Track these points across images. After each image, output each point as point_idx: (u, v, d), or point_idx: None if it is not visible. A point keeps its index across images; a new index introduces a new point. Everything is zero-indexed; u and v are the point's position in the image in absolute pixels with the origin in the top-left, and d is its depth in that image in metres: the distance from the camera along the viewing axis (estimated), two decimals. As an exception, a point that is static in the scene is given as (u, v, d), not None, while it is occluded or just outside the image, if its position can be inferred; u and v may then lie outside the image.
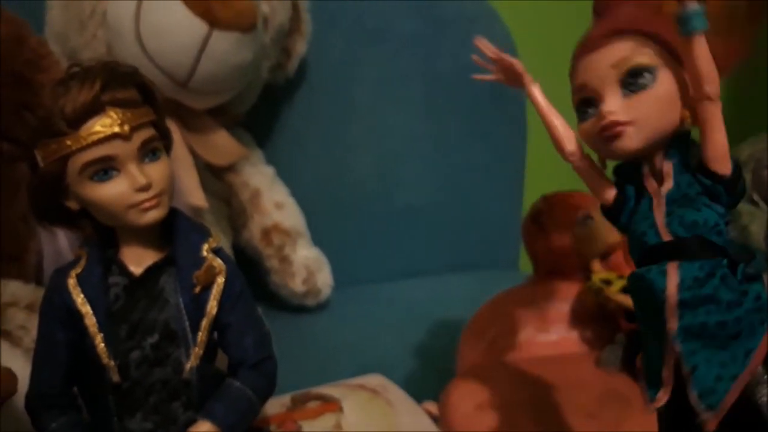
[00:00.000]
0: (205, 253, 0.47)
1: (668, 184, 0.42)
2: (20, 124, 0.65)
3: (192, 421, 0.46)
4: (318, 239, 0.94)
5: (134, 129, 0.45)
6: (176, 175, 0.49)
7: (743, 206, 0.72)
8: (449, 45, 1.05)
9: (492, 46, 0.47)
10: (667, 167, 0.42)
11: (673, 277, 0.40)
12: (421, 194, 1.05)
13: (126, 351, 0.46)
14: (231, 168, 0.86)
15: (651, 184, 0.43)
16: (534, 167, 1.13)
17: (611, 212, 0.45)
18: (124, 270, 0.47)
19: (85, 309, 0.45)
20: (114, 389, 0.46)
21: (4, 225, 0.66)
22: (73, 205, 0.46)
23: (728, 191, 0.41)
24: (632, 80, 0.41)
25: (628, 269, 0.70)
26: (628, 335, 0.62)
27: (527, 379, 0.61)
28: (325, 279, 0.91)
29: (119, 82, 0.45)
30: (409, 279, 1.00)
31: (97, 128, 0.44)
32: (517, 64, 0.47)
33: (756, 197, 0.72)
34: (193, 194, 0.74)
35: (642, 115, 0.41)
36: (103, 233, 0.48)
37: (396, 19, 1.03)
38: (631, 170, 0.44)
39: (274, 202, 0.89)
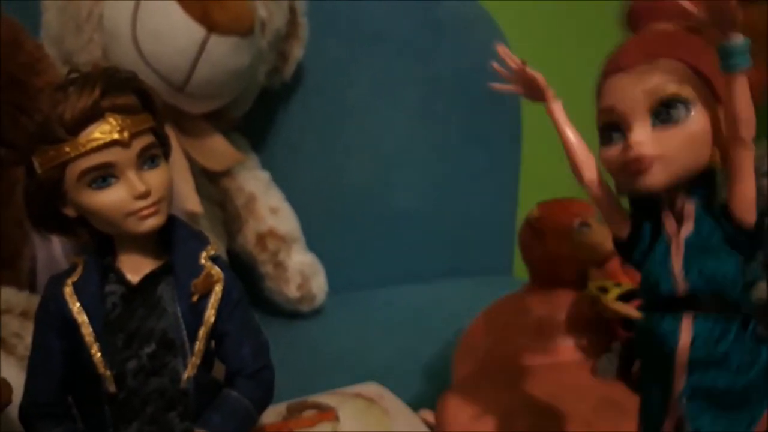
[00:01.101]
0: (203, 261, 0.47)
1: (688, 227, 0.40)
2: (16, 128, 0.65)
3: (189, 432, 0.46)
4: (313, 244, 0.94)
5: (134, 136, 0.44)
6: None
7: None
8: (446, 49, 1.05)
9: (514, 56, 0.45)
10: (689, 208, 0.40)
11: (686, 333, 0.39)
12: (417, 199, 1.05)
13: (122, 360, 0.45)
14: (226, 173, 0.86)
15: (670, 224, 0.40)
16: (529, 172, 1.13)
17: (624, 248, 0.43)
18: (121, 278, 0.46)
19: (82, 318, 0.45)
20: (110, 399, 0.45)
21: (-1, 230, 0.66)
22: (70, 212, 0.46)
23: (752, 242, 0.39)
24: (665, 111, 0.39)
25: (624, 277, 0.70)
26: (624, 343, 0.62)
27: (524, 387, 0.61)
28: (319, 285, 0.91)
29: (119, 88, 0.45)
30: (403, 284, 1.00)
31: (96, 135, 0.43)
32: (540, 77, 0.44)
33: None
34: (189, 199, 0.74)
35: (671, 151, 0.39)
36: (101, 241, 0.47)
37: (392, 22, 1.03)
38: (650, 205, 0.41)
39: (269, 207, 0.89)
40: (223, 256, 0.73)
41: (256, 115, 0.91)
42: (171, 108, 0.73)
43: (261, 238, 0.88)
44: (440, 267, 1.05)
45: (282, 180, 0.93)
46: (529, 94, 0.45)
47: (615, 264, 0.69)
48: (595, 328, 0.64)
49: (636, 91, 0.39)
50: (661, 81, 0.39)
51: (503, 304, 0.66)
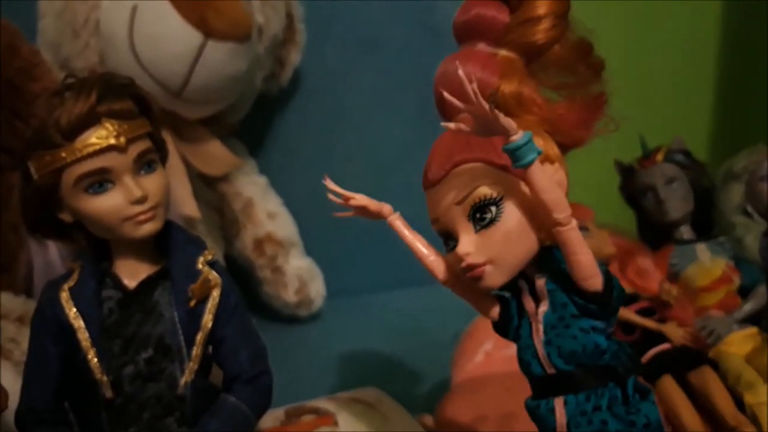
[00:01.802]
0: (200, 266, 0.47)
1: (544, 306, 0.41)
2: (11, 134, 0.65)
3: (186, 437, 0.46)
4: (310, 249, 0.93)
5: (130, 141, 0.44)
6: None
7: (738, 218, 0.72)
8: (443, 54, 1.03)
9: (338, 189, 0.47)
10: (541, 284, 0.41)
11: (560, 414, 0.40)
12: (414, 204, 1.04)
13: (119, 366, 0.45)
14: (224, 178, 0.86)
15: (528, 303, 0.42)
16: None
17: (499, 328, 0.44)
18: (118, 283, 0.46)
19: (78, 323, 0.45)
20: (107, 405, 0.45)
21: (-6, 235, 0.66)
22: (66, 217, 0.46)
23: (601, 308, 0.39)
24: (479, 215, 0.39)
25: (623, 281, 0.70)
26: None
27: (523, 391, 0.61)
28: (317, 289, 0.91)
29: (115, 93, 0.45)
30: (401, 289, 1.00)
31: (93, 140, 0.43)
32: (370, 204, 0.47)
33: (750, 209, 0.72)
34: (186, 204, 0.74)
35: (497, 252, 0.39)
36: (97, 246, 0.47)
37: (390, 28, 1.03)
38: (512, 283, 0.42)
39: (266, 212, 0.89)
40: (221, 261, 0.73)
41: (253, 121, 0.91)
42: (168, 113, 0.73)
43: (259, 243, 0.87)
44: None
45: (279, 185, 0.93)
46: (368, 215, 0.47)
47: (614, 269, 0.69)
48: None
49: (448, 203, 0.40)
50: (466, 190, 0.40)
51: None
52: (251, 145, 0.94)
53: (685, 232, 0.72)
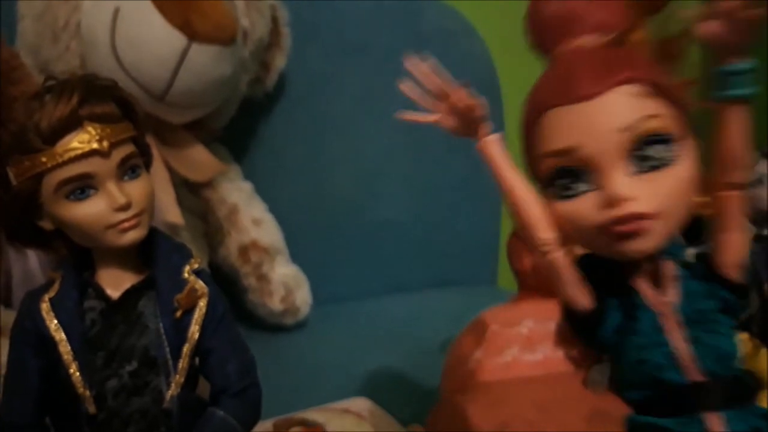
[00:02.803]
0: (186, 275, 0.45)
1: (672, 295, 0.33)
2: (-11, 139, 0.63)
3: (172, 453, 0.44)
4: (296, 256, 0.92)
5: (113, 145, 0.43)
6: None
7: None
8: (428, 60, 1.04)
9: (435, 77, 0.35)
10: (669, 268, 0.33)
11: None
12: (400, 209, 1.04)
13: (102, 380, 0.43)
14: (208, 184, 0.84)
15: (650, 293, 0.33)
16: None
17: (581, 324, 0.35)
18: (100, 293, 0.45)
19: (59, 335, 0.43)
20: (89, 420, 0.43)
21: (-29, 244, 0.64)
22: (47, 225, 0.44)
23: (743, 304, 0.33)
24: (647, 153, 0.31)
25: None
26: (616, 355, 0.61)
27: (514, 400, 0.60)
28: (303, 297, 0.90)
29: (98, 96, 0.43)
30: (388, 295, 0.99)
31: (74, 144, 0.42)
32: (478, 106, 0.35)
33: None
34: (170, 211, 0.72)
35: (669, 204, 0.31)
36: (79, 255, 0.45)
37: (375, 33, 1.03)
38: (605, 267, 0.33)
39: (251, 218, 0.88)
40: (206, 269, 0.72)
41: (238, 126, 0.89)
42: (151, 118, 0.72)
43: (244, 250, 0.86)
44: (424, 278, 1.05)
45: (264, 191, 0.91)
46: (461, 128, 0.37)
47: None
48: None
49: (606, 128, 0.31)
50: (639, 114, 0.31)
51: (492, 315, 0.65)
52: (236, 150, 0.92)
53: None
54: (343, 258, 1.01)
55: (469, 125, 0.36)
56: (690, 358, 0.32)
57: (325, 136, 1.00)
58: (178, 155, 0.76)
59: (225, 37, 0.70)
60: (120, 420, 0.44)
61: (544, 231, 0.34)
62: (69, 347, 0.43)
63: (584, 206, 0.32)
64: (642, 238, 0.31)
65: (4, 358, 0.46)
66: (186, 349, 0.44)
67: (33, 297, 0.45)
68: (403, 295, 1.00)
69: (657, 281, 0.33)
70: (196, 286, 0.45)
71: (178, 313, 0.44)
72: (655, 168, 0.31)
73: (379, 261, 1.03)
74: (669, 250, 0.33)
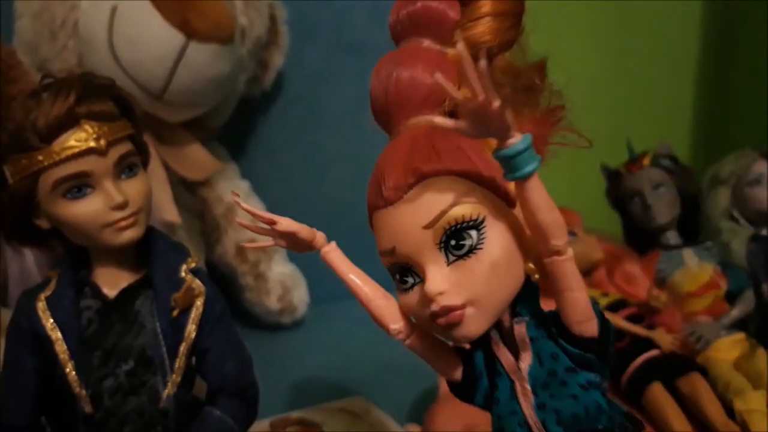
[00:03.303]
0: (183, 274, 0.45)
1: (527, 358, 0.33)
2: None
3: (169, 453, 0.44)
4: (293, 255, 0.92)
5: (111, 144, 0.43)
6: (150, 191, 0.46)
7: (724, 223, 0.72)
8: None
9: (260, 213, 0.37)
10: (520, 331, 0.33)
11: None
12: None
13: (99, 379, 0.43)
14: (205, 182, 0.84)
15: (505, 355, 0.33)
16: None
17: (461, 390, 0.36)
18: (97, 293, 0.45)
19: (56, 335, 0.43)
20: (86, 420, 0.43)
21: (-33, 242, 0.63)
22: (43, 223, 0.44)
23: (600, 357, 0.32)
24: (454, 243, 0.31)
25: (611, 287, 0.70)
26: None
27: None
28: (301, 296, 0.89)
29: (95, 94, 0.43)
30: (386, 295, 0.99)
31: (72, 143, 0.42)
32: (299, 230, 0.37)
33: (736, 214, 0.72)
34: (167, 210, 0.72)
35: (480, 290, 0.31)
36: (75, 253, 0.45)
37: (374, 31, 1.02)
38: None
39: (249, 217, 0.87)
40: (202, 267, 0.72)
41: (235, 124, 0.89)
42: (149, 116, 0.71)
43: (241, 249, 0.86)
44: (422, 277, 1.04)
45: (262, 190, 0.91)
46: (295, 246, 0.38)
47: (601, 274, 0.69)
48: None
49: (413, 228, 0.32)
50: (439, 208, 0.31)
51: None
52: (233, 148, 0.92)
53: (672, 237, 0.72)
54: (341, 257, 1.01)
55: (300, 245, 0.38)
56: (537, 424, 0.33)
57: (323, 134, 1.00)
58: (176, 154, 0.76)
59: (223, 35, 0.70)
60: (116, 419, 0.44)
61: (393, 322, 0.36)
62: (65, 346, 0.43)
63: (413, 300, 0.33)
64: (463, 325, 0.32)
65: (1, 357, 0.46)
66: (183, 348, 0.44)
67: (29, 296, 0.45)
68: (401, 294, 0.99)
69: (512, 343, 0.34)
70: (193, 285, 0.45)
71: (175, 312, 0.44)
72: (466, 254, 0.31)
73: (376, 260, 1.03)
74: (520, 313, 0.33)
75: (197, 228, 0.85)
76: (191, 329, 0.45)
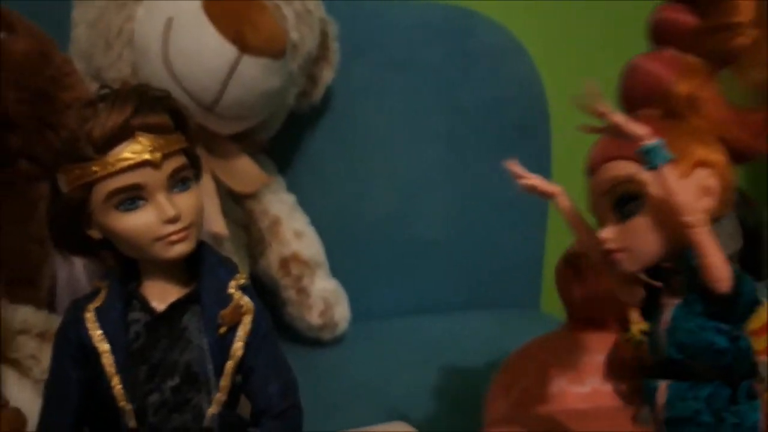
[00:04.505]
0: (232, 291, 0.45)
1: (678, 299, 0.43)
2: (41, 143, 0.64)
3: (211, 473, 0.43)
4: (334, 270, 0.91)
5: (165, 156, 0.42)
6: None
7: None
8: (475, 78, 1.03)
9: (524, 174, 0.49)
10: (678, 280, 0.43)
11: (661, 396, 0.43)
12: (441, 228, 1.02)
13: (144, 394, 0.43)
14: (252, 195, 0.84)
15: (665, 294, 0.44)
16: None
17: (646, 313, 0.46)
18: (146, 306, 0.44)
19: (103, 347, 0.43)
20: (129, 435, 0.43)
21: (18, 247, 0.64)
22: (95, 234, 0.44)
23: (726, 311, 0.41)
24: (621, 208, 0.43)
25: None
26: (668, 391, 0.59)
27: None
28: (342, 312, 0.89)
29: (151, 106, 0.43)
30: (426, 314, 0.98)
31: (126, 154, 0.41)
32: (541, 185, 0.48)
33: None
34: (215, 221, 0.72)
35: (633, 242, 0.42)
36: (125, 265, 0.45)
37: (422, 49, 1.02)
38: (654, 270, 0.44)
39: (293, 230, 0.87)
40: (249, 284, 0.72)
41: (282, 138, 0.89)
42: (200, 128, 0.71)
43: (284, 263, 0.85)
44: (463, 298, 1.03)
45: (307, 204, 0.91)
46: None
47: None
48: (637, 374, 0.61)
49: (598, 192, 0.44)
50: (612, 182, 0.43)
51: (540, 344, 0.64)
52: (279, 162, 0.92)
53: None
54: (381, 275, 1.00)
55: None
56: (663, 343, 0.43)
57: (368, 151, 1.00)
58: (225, 166, 0.76)
59: (275, 50, 0.70)
60: (160, 436, 0.43)
61: (596, 255, 0.46)
62: (112, 359, 0.43)
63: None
64: (618, 264, 0.44)
65: (47, 363, 0.46)
66: (229, 366, 0.44)
67: (78, 306, 0.45)
68: (441, 315, 0.98)
69: (674, 287, 0.43)
70: (242, 302, 0.44)
71: (222, 329, 0.44)
72: (628, 217, 0.43)
73: (417, 278, 1.02)
74: (679, 265, 0.43)
75: (243, 241, 0.85)
76: (238, 347, 0.44)
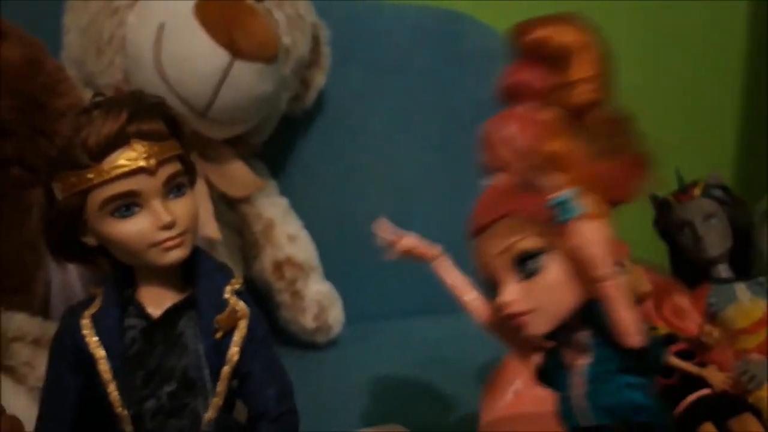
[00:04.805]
0: (227, 296, 0.45)
1: (586, 359, 0.41)
2: (33, 150, 0.63)
3: (208, 477, 0.43)
4: (328, 274, 0.92)
5: (160, 163, 0.43)
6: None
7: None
8: (467, 80, 1.03)
9: (391, 232, 0.49)
10: (583, 337, 0.41)
11: None
12: (435, 230, 1.01)
13: (141, 400, 0.43)
14: (245, 199, 0.84)
15: (569, 354, 0.42)
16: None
17: (544, 377, 0.44)
18: (141, 312, 0.44)
19: (99, 353, 0.43)
20: (126, 441, 0.43)
21: (12, 253, 0.64)
22: (90, 240, 0.44)
23: (639, 364, 0.40)
24: (522, 267, 0.40)
25: (659, 320, 0.68)
26: (662, 391, 0.59)
27: (552, 432, 0.58)
28: (336, 315, 0.89)
29: (146, 113, 0.43)
30: (421, 316, 0.98)
31: (122, 162, 0.42)
32: (417, 246, 0.49)
33: None
34: (208, 226, 0.72)
35: (540, 301, 0.40)
36: (121, 271, 0.45)
37: (414, 53, 1.03)
38: (557, 334, 0.42)
39: (287, 234, 0.87)
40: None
41: (275, 142, 0.89)
42: (193, 133, 0.72)
43: (278, 266, 0.85)
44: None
45: (300, 207, 0.91)
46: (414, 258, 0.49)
47: (649, 307, 0.67)
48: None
49: (491, 253, 0.41)
50: (508, 241, 0.41)
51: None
52: (272, 166, 0.92)
53: (723, 270, 0.70)
54: (375, 277, 1.00)
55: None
56: (581, 409, 0.41)
57: (361, 154, 1.00)
58: (218, 170, 0.76)
59: (268, 54, 0.70)
60: (157, 442, 0.43)
61: (485, 320, 0.48)
62: (108, 365, 0.43)
63: (495, 305, 0.42)
64: (526, 327, 0.41)
65: (42, 370, 0.46)
66: (225, 371, 0.44)
67: (74, 312, 0.45)
68: (436, 316, 0.98)
69: (578, 347, 0.42)
70: (237, 307, 0.45)
71: (218, 335, 0.44)
72: (531, 275, 0.40)
73: (411, 281, 1.01)
74: (586, 322, 0.41)
75: (237, 244, 0.85)
76: (234, 352, 0.44)
